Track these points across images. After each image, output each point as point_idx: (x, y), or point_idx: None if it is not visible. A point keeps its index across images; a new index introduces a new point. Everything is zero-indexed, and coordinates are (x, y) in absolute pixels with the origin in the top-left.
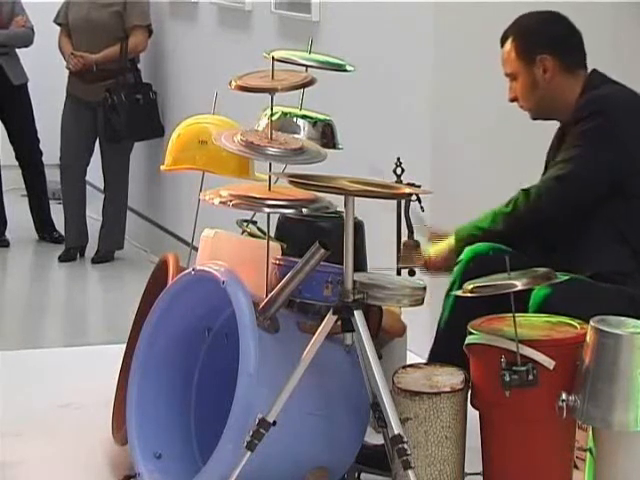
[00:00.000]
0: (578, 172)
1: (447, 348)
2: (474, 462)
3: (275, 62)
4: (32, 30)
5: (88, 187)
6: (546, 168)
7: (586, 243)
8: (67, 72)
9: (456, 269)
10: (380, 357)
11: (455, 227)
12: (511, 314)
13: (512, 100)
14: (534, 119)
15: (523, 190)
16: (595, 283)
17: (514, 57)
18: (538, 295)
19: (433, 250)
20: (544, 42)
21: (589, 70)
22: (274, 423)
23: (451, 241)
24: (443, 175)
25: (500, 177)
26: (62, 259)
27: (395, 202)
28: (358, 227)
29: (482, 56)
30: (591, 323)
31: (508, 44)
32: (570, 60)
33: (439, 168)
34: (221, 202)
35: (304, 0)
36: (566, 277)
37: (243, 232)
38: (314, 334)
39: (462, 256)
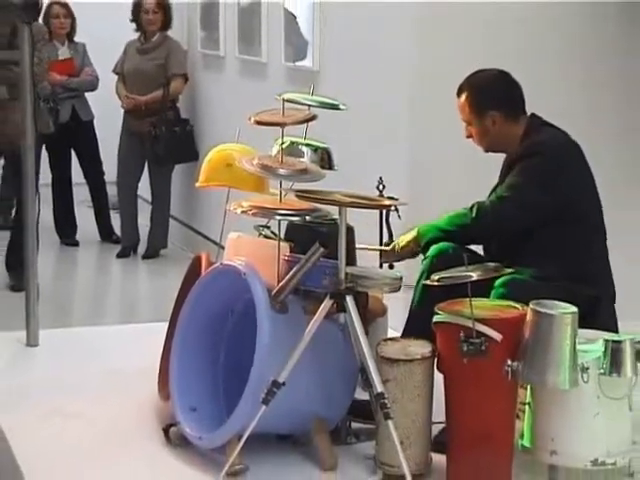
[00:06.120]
0: (518, 197)
1: (417, 325)
2: (439, 414)
3: (284, 102)
4: (97, 78)
5: (139, 200)
6: (494, 189)
7: (525, 251)
8: (122, 110)
9: (424, 263)
10: (366, 332)
11: (418, 225)
12: (468, 299)
13: (468, 137)
14: (486, 152)
15: (478, 202)
16: (544, 284)
17: (468, 110)
18: (496, 293)
19: (401, 239)
20: (492, 100)
21: (529, 113)
22: (284, 383)
23: (414, 233)
24: (416, 191)
25: (464, 192)
26: (119, 256)
27: (378, 212)
28: (349, 231)
29: (453, 99)
30: (530, 305)
31: (463, 98)
32: (513, 111)
33: (413, 185)
34: (243, 211)
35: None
36: (512, 271)
37: (259, 235)
38: (315, 314)
39: (429, 253)
